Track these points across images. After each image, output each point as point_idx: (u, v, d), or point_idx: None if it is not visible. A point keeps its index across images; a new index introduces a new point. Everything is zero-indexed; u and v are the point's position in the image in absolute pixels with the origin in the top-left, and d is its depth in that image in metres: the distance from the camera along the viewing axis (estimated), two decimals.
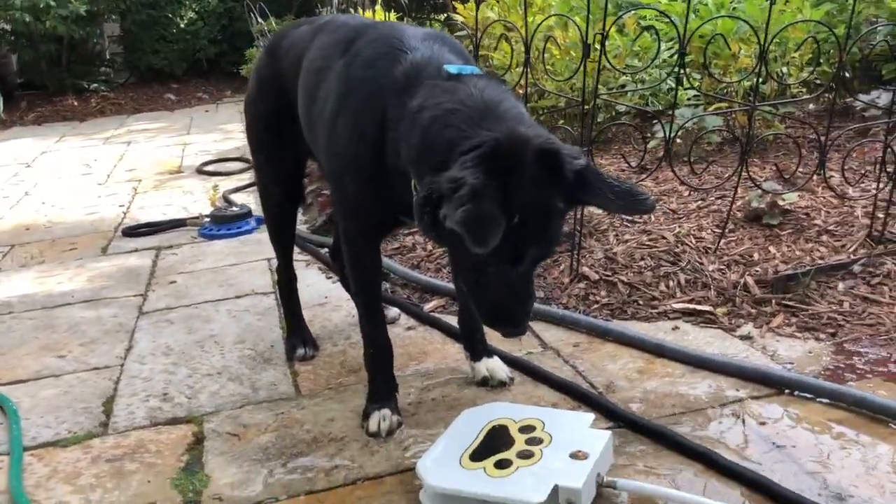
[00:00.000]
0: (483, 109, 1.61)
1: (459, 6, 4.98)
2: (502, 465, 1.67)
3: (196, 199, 4.60)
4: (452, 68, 1.73)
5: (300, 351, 2.43)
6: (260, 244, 3.59)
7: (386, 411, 1.99)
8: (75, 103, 8.96)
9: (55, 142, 7.10)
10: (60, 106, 8.90)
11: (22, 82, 9.61)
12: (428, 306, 2.73)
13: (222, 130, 6.92)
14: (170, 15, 9.79)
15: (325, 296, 2.93)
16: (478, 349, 2.20)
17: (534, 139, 1.55)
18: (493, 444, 1.75)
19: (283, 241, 2.53)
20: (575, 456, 1.66)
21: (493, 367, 2.17)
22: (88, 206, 4.67)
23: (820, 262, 2.67)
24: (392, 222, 2.00)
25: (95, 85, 9.35)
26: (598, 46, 2.63)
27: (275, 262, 3.33)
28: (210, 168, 5.38)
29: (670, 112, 4.07)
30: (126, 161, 5.96)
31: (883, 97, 3.73)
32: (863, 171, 3.31)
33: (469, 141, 1.54)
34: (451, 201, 1.44)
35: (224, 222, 3.88)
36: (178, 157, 5.98)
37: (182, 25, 9.82)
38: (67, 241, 3.97)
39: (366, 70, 1.85)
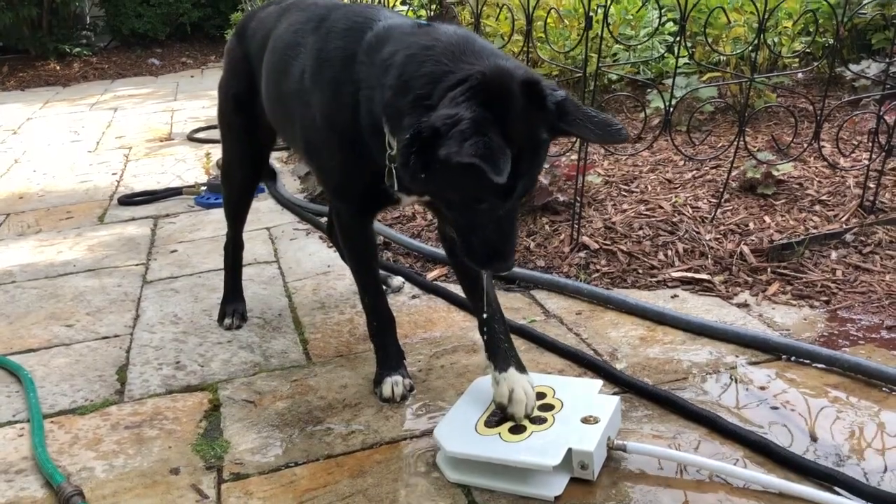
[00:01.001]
0: (461, 44, 1.61)
1: None
2: (517, 430, 1.73)
3: (189, 167, 4.60)
4: (423, 21, 1.75)
5: (227, 321, 2.52)
6: (258, 213, 3.62)
7: (397, 377, 2.05)
8: (58, 68, 8.85)
9: (40, 108, 7.02)
10: (43, 70, 8.79)
11: (2, 46, 9.46)
12: (431, 275, 2.77)
13: (210, 97, 6.86)
14: None
15: (327, 265, 2.97)
16: (502, 357, 1.88)
17: (516, 71, 1.56)
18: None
19: (239, 215, 2.61)
20: (586, 420, 1.73)
21: (518, 393, 1.80)
22: (81, 174, 4.65)
23: (813, 231, 2.74)
24: (381, 196, 1.93)
25: (78, 49, 9.24)
26: (599, 18, 2.65)
27: (276, 231, 3.42)
28: (201, 135, 5.37)
29: (662, 81, 4.13)
30: (114, 128, 5.92)
31: (873, 67, 3.78)
32: (855, 142, 3.37)
33: (453, 75, 1.54)
34: (451, 138, 1.42)
35: (221, 191, 3.88)
36: (167, 123, 5.95)
37: None
38: (63, 209, 3.97)
39: (339, 40, 1.85)
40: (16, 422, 2.05)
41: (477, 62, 1.56)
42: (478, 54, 1.59)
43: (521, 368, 1.87)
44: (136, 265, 3.12)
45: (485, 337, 1.92)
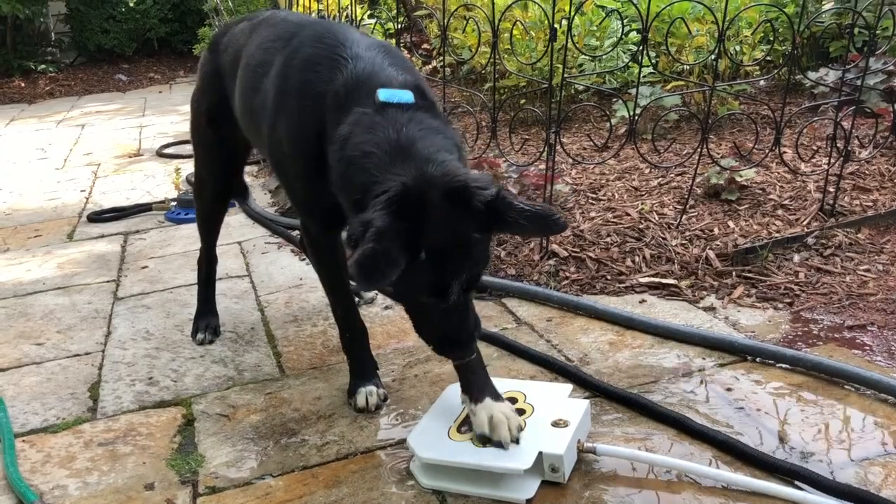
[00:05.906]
0: (395, 153, 1.64)
1: None
2: None
3: (159, 183, 4.58)
4: (383, 94, 1.73)
5: (200, 336, 2.53)
6: (229, 227, 3.61)
7: (371, 387, 2.07)
8: (23, 85, 8.76)
9: (5, 125, 6.95)
10: (7, 88, 8.70)
11: None
12: None
13: (178, 112, 6.84)
14: None
15: (300, 277, 2.98)
16: (476, 389, 1.83)
17: (440, 179, 1.58)
18: None
19: (212, 229, 2.62)
20: (556, 424, 1.76)
21: (497, 416, 1.76)
22: (48, 191, 4.61)
23: (776, 235, 2.81)
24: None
25: (43, 66, 9.15)
26: (563, 29, 2.70)
27: (247, 245, 3.42)
28: (170, 150, 5.35)
29: (628, 91, 4.20)
30: (82, 144, 5.88)
31: (831, 74, 3.88)
32: (814, 147, 3.46)
33: (380, 186, 1.60)
34: (364, 242, 1.50)
35: (191, 206, 3.88)
36: (136, 139, 5.92)
37: (131, 4, 9.62)
38: (31, 227, 3.93)
39: (305, 72, 1.86)
40: None
41: (404, 172, 1.59)
42: (409, 160, 1.62)
43: (497, 397, 1.82)
44: (107, 282, 3.11)
45: (458, 371, 1.88)
